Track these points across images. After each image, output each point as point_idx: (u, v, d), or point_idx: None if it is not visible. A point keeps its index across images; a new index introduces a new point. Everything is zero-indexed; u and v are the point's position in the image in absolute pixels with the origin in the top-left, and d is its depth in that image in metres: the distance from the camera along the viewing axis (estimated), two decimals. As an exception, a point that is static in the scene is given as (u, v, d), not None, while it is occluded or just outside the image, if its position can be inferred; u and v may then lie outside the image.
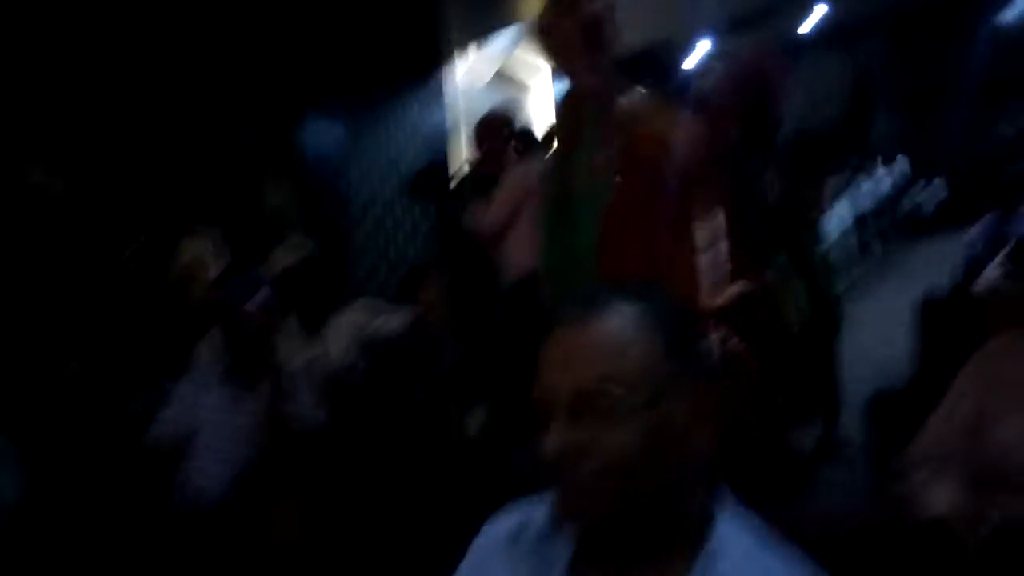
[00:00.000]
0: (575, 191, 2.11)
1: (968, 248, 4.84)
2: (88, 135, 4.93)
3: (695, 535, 0.75)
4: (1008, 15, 9.70)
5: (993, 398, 1.40)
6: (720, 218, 1.81)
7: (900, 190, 9.45)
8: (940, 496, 1.38)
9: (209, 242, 4.96)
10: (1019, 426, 1.34)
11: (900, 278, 7.15)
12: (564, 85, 2.25)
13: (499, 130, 3.22)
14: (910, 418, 1.56)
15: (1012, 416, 1.36)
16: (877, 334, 4.50)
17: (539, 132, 3.78)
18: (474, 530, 0.90)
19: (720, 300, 1.75)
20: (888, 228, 8.87)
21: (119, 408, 2.62)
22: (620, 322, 0.75)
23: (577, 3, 1.93)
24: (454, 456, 2.55)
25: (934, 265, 6.92)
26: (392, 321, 3.04)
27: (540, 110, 7.30)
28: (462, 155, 6.28)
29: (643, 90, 1.81)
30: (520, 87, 7.57)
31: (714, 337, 1.70)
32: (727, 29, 9.29)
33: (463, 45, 7.56)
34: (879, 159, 9.53)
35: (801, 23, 8.56)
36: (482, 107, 4.43)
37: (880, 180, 9.14)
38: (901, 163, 9.66)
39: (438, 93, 7.29)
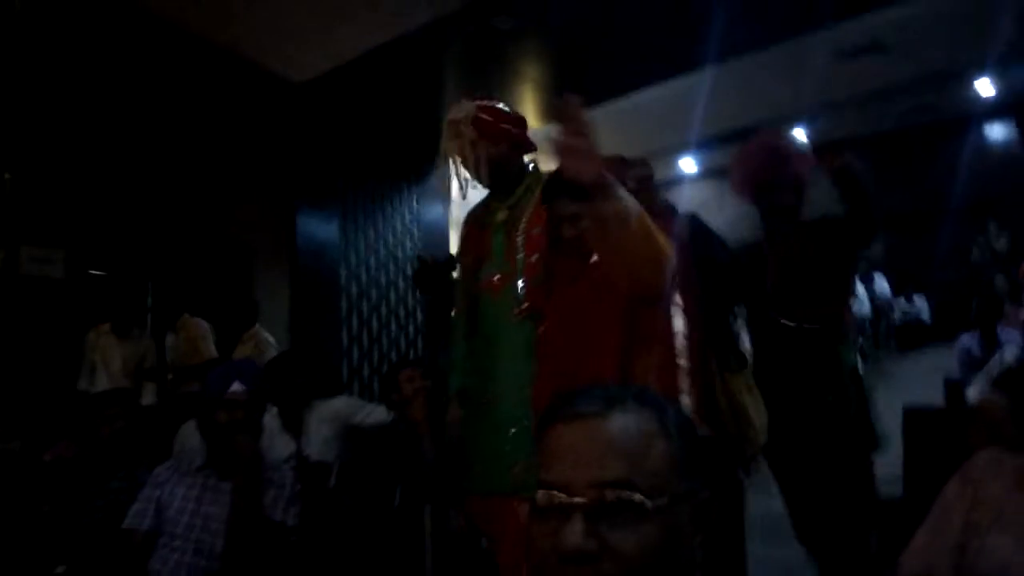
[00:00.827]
0: (490, 309, 2.10)
1: (960, 355, 4.98)
2: (93, 214, 5.00)
3: None
4: (988, 137, 10.11)
5: (979, 515, 1.39)
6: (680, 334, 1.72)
7: (880, 309, 9.59)
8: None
9: (202, 329, 4.96)
10: (1006, 544, 1.33)
11: (884, 396, 7.16)
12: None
13: None
14: (899, 530, 1.55)
15: (998, 534, 1.35)
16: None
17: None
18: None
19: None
20: (869, 346, 8.95)
21: (97, 491, 2.54)
22: (640, 424, 0.75)
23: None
24: (432, 553, 2.48)
25: (914, 381, 6.96)
26: (373, 415, 3.01)
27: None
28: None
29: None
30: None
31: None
32: (710, 145, 9.69)
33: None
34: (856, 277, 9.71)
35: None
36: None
37: (860, 299, 9.29)
38: (879, 281, 9.84)
39: (439, 187, 7.54)
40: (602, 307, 1.67)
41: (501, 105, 2.24)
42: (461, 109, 2.19)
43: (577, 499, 0.71)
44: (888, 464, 2.76)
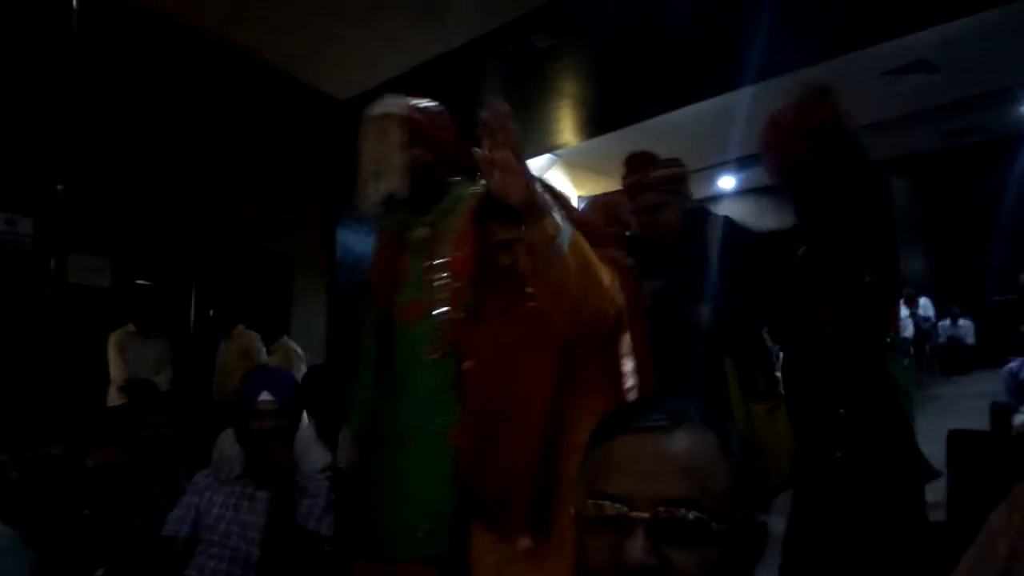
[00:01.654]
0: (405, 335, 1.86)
1: (1007, 380, 4.87)
2: (139, 223, 5.13)
3: None
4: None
5: (1025, 543, 1.35)
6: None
7: (924, 331, 9.40)
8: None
9: (255, 340, 5.11)
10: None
11: (927, 420, 6.99)
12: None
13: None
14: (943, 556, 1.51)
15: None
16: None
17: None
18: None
19: None
20: (913, 370, 8.77)
21: (138, 497, 2.59)
22: (706, 444, 0.74)
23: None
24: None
25: (959, 405, 6.78)
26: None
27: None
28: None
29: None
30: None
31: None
32: (749, 164, 9.60)
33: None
34: (901, 300, 9.55)
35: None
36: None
37: (904, 321, 9.12)
38: (923, 302, 9.65)
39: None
40: (534, 347, 1.46)
41: (438, 107, 2.00)
42: (391, 104, 1.92)
43: (639, 513, 0.70)
44: (932, 488, 2.68)
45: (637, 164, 2.52)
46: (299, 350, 5.41)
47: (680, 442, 0.74)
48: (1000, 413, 4.16)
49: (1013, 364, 4.99)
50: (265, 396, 2.20)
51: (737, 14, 5.41)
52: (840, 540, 2.11)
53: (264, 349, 5.21)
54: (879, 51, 6.47)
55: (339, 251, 6.85)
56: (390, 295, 1.90)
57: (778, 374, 2.38)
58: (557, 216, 1.25)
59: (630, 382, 1.46)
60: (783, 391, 2.30)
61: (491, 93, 6.78)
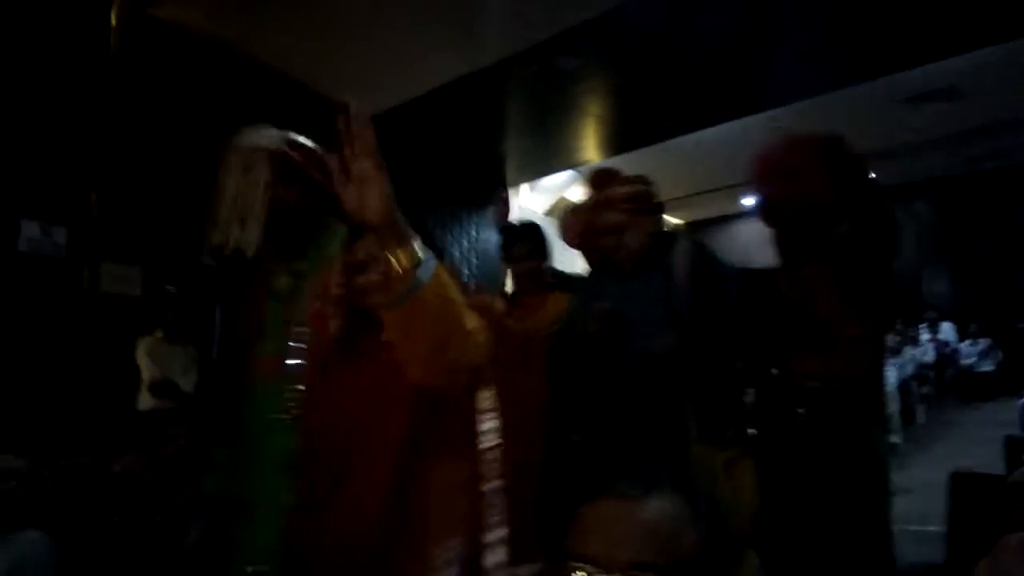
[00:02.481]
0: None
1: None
2: (168, 232, 5.25)
3: None
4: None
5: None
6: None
7: (944, 356, 9.33)
8: None
9: None
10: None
11: (943, 448, 6.97)
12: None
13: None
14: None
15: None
16: (912, 507, 4.37)
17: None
18: None
19: None
20: (932, 396, 8.72)
21: (163, 506, 2.66)
22: (674, 510, 0.82)
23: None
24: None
25: (976, 435, 6.73)
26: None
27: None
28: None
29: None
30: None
31: None
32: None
33: (524, 181, 8.61)
34: (924, 325, 9.50)
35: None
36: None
37: (925, 346, 9.08)
38: (944, 327, 9.58)
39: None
40: (384, 399, 1.28)
41: (312, 144, 1.68)
42: (261, 136, 1.60)
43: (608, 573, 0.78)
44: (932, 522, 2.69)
45: (599, 180, 2.30)
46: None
47: (649, 510, 0.81)
48: (1014, 446, 4.14)
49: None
50: None
51: (762, 38, 5.46)
52: None
53: None
54: (904, 76, 6.49)
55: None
56: (251, 346, 1.61)
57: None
58: (418, 246, 1.08)
59: (490, 442, 1.28)
60: (751, 441, 2.05)
61: (515, 111, 6.91)
